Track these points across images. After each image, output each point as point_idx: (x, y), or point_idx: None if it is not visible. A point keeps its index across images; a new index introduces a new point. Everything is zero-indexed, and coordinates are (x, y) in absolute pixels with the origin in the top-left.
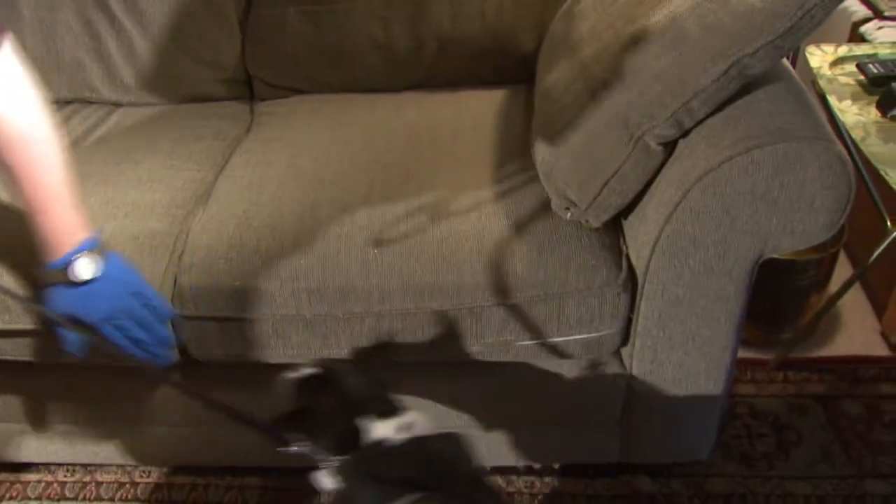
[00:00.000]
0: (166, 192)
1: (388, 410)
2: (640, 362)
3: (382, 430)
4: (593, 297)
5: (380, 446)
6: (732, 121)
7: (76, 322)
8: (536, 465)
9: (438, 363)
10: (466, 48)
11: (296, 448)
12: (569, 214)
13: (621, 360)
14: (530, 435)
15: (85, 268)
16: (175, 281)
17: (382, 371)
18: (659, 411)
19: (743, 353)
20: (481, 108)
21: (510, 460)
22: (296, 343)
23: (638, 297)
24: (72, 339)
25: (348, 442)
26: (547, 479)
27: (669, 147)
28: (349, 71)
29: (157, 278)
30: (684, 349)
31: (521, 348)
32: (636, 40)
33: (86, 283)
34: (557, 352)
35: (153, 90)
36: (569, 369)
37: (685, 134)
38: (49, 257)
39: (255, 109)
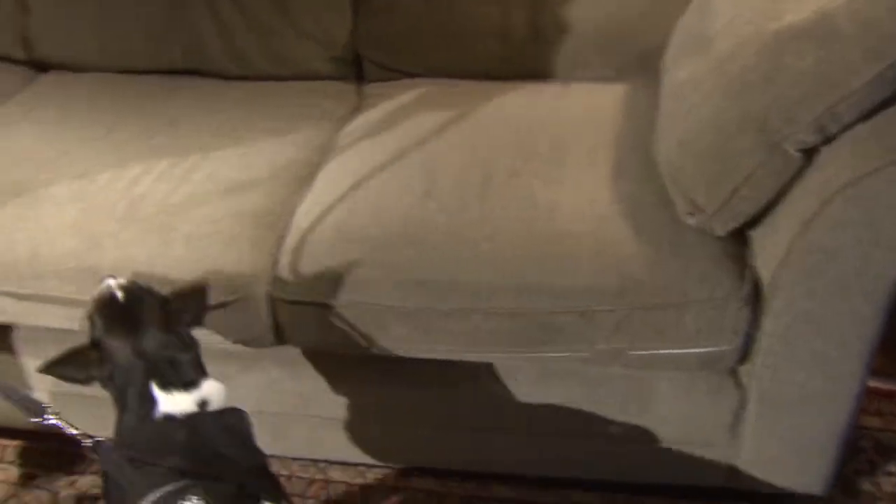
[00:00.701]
0: (269, 170)
1: (189, 382)
2: (758, 381)
3: (176, 403)
4: (714, 309)
5: (149, 430)
6: (882, 129)
7: None
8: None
9: (534, 366)
10: (585, 39)
11: (52, 420)
12: (693, 220)
13: (737, 378)
14: (626, 450)
15: None
16: (275, 262)
17: (190, 329)
18: (775, 435)
19: (871, 383)
20: (598, 102)
21: (598, 474)
22: (395, 336)
23: (762, 312)
24: None
25: (133, 407)
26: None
27: (808, 154)
28: (462, 56)
29: (258, 258)
30: (808, 370)
31: (632, 358)
32: (779, 37)
33: None
34: (670, 364)
35: (270, 62)
36: (679, 383)
37: (827, 140)
38: None
39: (362, 91)
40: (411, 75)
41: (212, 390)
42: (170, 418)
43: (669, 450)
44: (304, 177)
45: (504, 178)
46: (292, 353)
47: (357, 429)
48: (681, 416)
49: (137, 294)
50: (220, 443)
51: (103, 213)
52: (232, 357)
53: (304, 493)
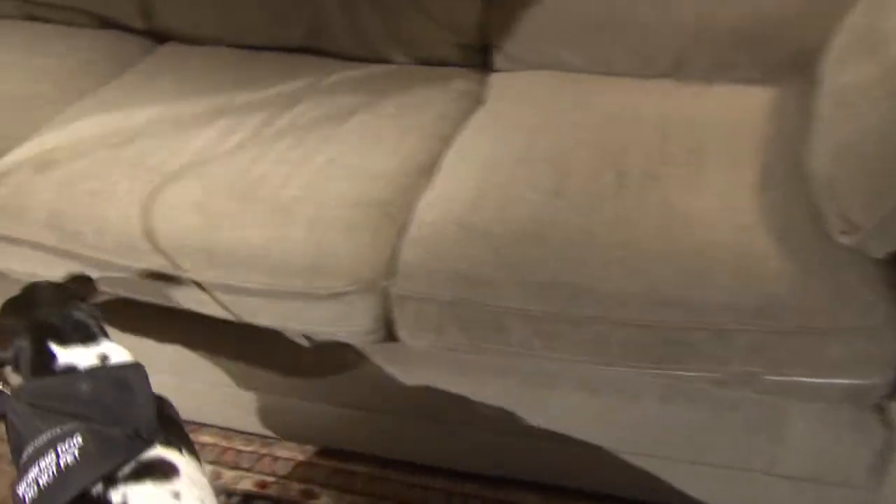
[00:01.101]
0: (391, 158)
1: (88, 337)
2: None
3: (75, 356)
4: (865, 339)
5: (50, 381)
6: None
7: None
8: None
9: (660, 383)
10: (730, 34)
11: None
12: (846, 238)
13: (884, 415)
14: (736, 483)
15: None
16: (394, 254)
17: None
18: None
19: None
20: (742, 104)
21: None
22: (516, 339)
23: None
24: None
25: (36, 364)
26: None
27: None
28: (593, 50)
29: (377, 249)
30: None
31: (767, 383)
32: None
33: None
34: (809, 394)
35: (393, 46)
36: (817, 414)
37: None
38: None
39: (488, 80)
40: (541, 67)
41: (112, 349)
42: (71, 369)
43: (798, 486)
44: (427, 167)
45: (639, 180)
46: (403, 349)
47: (469, 437)
48: (815, 451)
49: (31, 287)
50: (118, 393)
51: (222, 192)
52: (352, 347)
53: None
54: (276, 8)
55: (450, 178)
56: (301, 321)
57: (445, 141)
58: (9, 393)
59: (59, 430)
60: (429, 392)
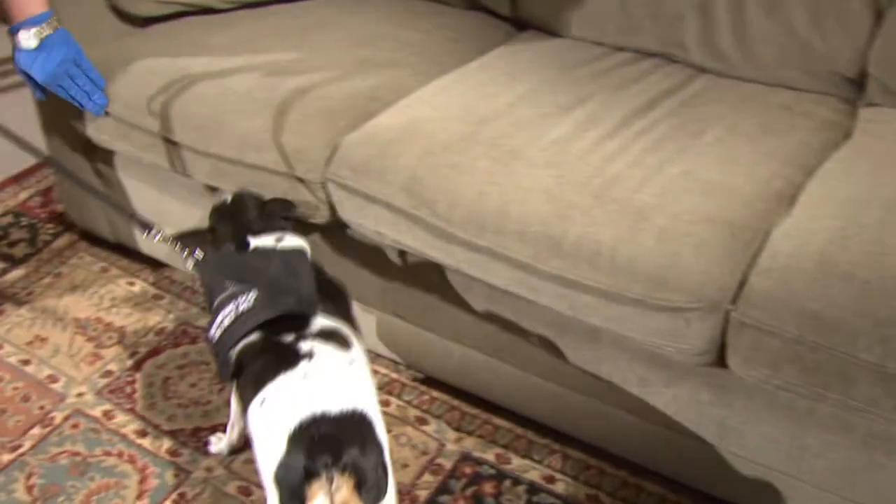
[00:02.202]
0: (749, 180)
1: (271, 229)
2: None
3: (262, 241)
4: None
5: (239, 257)
6: None
7: (30, 78)
8: None
9: None
10: None
11: (159, 236)
12: None
13: None
14: None
15: (27, 39)
16: (743, 279)
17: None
18: None
19: None
20: None
21: None
22: (861, 395)
23: None
24: (35, 89)
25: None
26: None
27: None
28: None
29: (726, 271)
30: None
31: None
32: None
33: (34, 49)
34: None
35: (750, 63)
36: None
37: None
38: (10, 22)
39: (858, 113)
40: None
41: (292, 239)
42: (254, 250)
43: None
44: (786, 195)
45: None
46: (729, 377)
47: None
48: None
49: (240, 196)
50: (283, 269)
51: (576, 186)
52: (658, 362)
53: None
54: (634, 11)
55: (810, 210)
56: (630, 327)
57: (806, 171)
58: (203, 259)
59: (238, 288)
60: (744, 425)
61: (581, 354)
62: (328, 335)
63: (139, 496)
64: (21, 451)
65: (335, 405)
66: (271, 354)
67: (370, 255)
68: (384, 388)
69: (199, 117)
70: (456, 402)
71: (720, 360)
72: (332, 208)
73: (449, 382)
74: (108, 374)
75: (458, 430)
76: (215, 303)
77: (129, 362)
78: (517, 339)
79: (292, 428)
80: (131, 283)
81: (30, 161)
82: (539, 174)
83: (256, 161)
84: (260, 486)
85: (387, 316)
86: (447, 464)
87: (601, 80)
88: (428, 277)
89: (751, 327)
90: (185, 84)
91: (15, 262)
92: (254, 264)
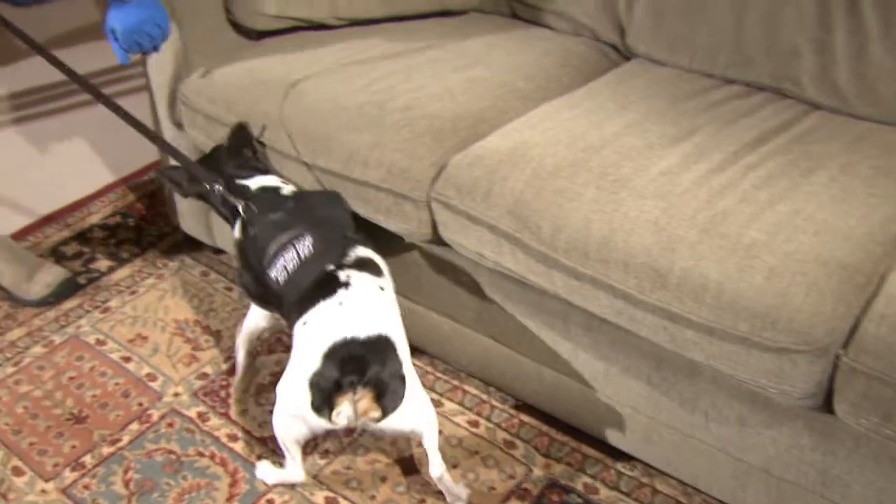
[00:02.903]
0: (863, 222)
1: (258, 171)
2: None
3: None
4: None
5: (273, 199)
6: None
7: (115, 38)
8: None
9: None
10: None
11: (218, 188)
12: None
13: None
14: None
15: None
16: (856, 324)
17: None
18: None
19: None
20: None
21: None
22: None
23: None
24: (117, 51)
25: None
26: None
27: None
28: None
29: (838, 313)
30: None
31: None
32: None
33: (126, 2)
34: None
35: (868, 102)
36: None
37: None
38: None
39: None
40: None
41: (273, 177)
42: (263, 190)
43: None
44: None
45: None
46: (834, 424)
47: None
48: None
49: (216, 148)
50: (324, 208)
51: (684, 219)
52: (759, 402)
53: None
54: (748, 45)
55: None
56: (733, 365)
57: None
58: (254, 210)
59: (293, 233)
60: (848, 475)
61: (678, 389)
62: (363, 263)
63: (229, 499)
64: (120, 444)
65: (363, 330)
66: (314, 282)
67: (468, 276)
68: (473, 408)
69: (309, 130)
70: (545, 428)
71: (826, 405)
72: (433, 227)
73: (539, 408)
74: (203, 376)
75: (546, 456)
76: (270, 249)
77: (225, 366)
78: (613, 369)
79: (327, 348)
80: (229, 289)
81: (139, 164)
82: (646, 205)
83: (362, 176)
84: (344, 496)
85: (480, 337)
86: (534, 490)
87: (710, 113)
88: (525, 302)
89: (862, 374)
90: (296, 96)
91: (121, 261)
92: (298, 207)
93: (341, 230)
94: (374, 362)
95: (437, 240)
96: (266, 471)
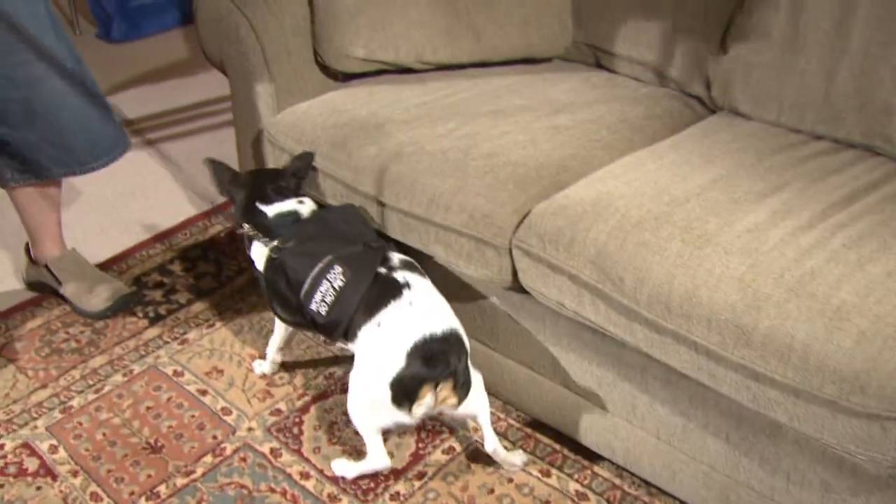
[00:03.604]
0: None
1: (285, 197)
2: None
3: (278, 206)
4: None
5: (293, 226)
6: None
7: None
8: None
9: None
10: None
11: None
12: None
13: None
14: None
15: None
16: None
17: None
18: None
19: None
20: None
21: None
22: None
23: None
24: None
25: (248, 212)
26: None
27: None
28: None
29: None
30: None
31: None
32: None
33: None
34: None
35: None
36: None
37: None
38: None
39: None
40: None
41: (305, 200)
42: (281, 216)
43: None
44: None
45: None
46: None
47: None
48: None
49: (254, 171)
50: (344, 224)
51: (770, 277)
52: (846, 468)
53: None
54: (839, 102)
55: None
56: (819, 429)
57: None
58: (284, 247)
59: (321, 265)
60: None
61: (758, 449)
62: (408, 265)
63: None
64: (193, 476)
65: (438, 326)
66: (376, 285)
67: (546, 325)
68: (545, 458)
69: (392, 173)
70: (618, 482)
71: None
72: (514, 274)
73: (614, 460)
74: (277, 412)
75: None
76: (304, 284)
77: (298, 403)
78: (691, 425)
79: (409, 346)
80: None
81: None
82: (731, 261)
83: (444, 221)
84: None
85: (556, 386)
86: None
87: (798, 169)
88: (603, 353)
89: None
90: (379, 139)
91: (200, 293)
92: (307, 232)
93: (362, 239)
94: (452, 355)
95: (517, 287)
96: (344, 467)
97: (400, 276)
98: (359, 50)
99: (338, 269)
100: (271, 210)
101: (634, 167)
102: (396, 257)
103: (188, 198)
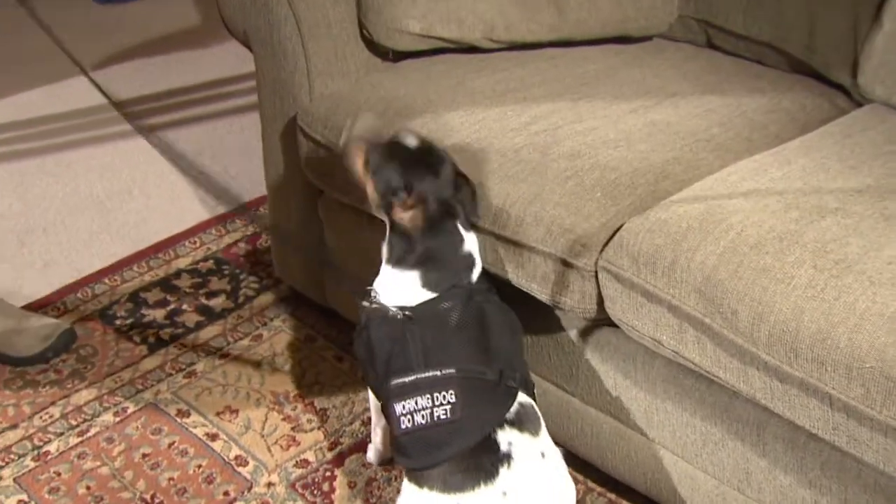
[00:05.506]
0: None
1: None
2: None
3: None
4: None
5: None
6: None
7: None
8: None
9: None
10: None
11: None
12: None
13: None
14: None
15: None
16: None
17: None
18: None
19: None
20: None
21: None
22: None
23: None
24: None
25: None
26: None
27: None
28: None
29: None
30: None
31: None
32: None
33: None
34: None
35: None
36: None
37: None
38: None
39: None
40: None
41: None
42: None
43: None
44: None
45: None
46: None
47: None
48: None
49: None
50: (479, 330)
51: None
52: None
53: None
54: None
55: None
56: None
57: None
58: (409, 317)
59: (438, 374)
60: None
61: None
62: (524, 417)
63: None
64: None
65: None
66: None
67: (638, 366)
68: None
69: None
70: None
71: None
72: (599, 303)
73: None
74: (303, 463)
75: None
76: (399, 378)
77: (330, 454)
78: (823, 500)
79: None
80: (339, 359)
81: (238, 199)
82: (880, 294)
83: (514, 235)
84: None
85: (648, 442)
86: None
87: None
88: (709, 403)
89: None
90: (442, 133)
91: (212, 316)
92: (458, 331)
93: (498, 362)
94: None
95: (603, 318)
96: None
97: (504, 440)
98: (414, 23)
99: (450, 395)
100: (413, 298)
101: (753, 174)
102: (517, 404)
103: (198, 198)
